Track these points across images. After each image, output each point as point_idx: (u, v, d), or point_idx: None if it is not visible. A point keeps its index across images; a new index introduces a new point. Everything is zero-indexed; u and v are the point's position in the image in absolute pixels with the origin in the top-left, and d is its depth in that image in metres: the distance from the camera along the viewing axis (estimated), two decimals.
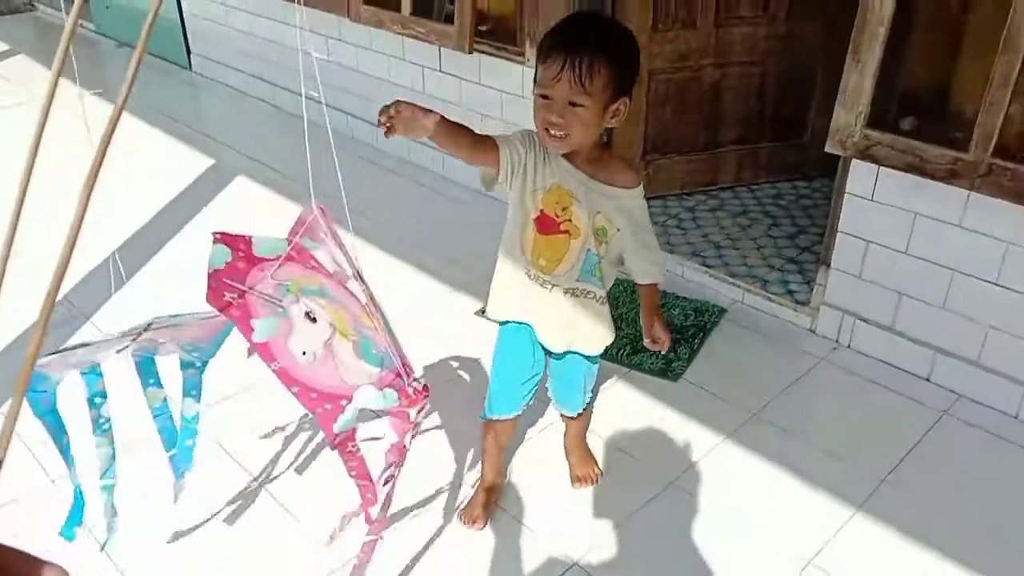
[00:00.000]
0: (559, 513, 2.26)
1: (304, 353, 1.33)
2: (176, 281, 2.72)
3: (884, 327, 2.83)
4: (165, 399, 1.75)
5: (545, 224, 1.84)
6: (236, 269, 1.34)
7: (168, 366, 1.81)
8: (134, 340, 1.46)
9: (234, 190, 4.20)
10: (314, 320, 1.35)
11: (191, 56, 6.11)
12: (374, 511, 1.47)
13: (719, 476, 2.38)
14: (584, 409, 2.25)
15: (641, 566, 2.10)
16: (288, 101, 5.19)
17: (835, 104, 2.58)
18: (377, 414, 1.50)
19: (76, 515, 1.63)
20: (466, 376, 2.80)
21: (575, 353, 2.04)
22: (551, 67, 1.66)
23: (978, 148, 2.27)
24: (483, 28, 3.84)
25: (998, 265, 2.50)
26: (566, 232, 1.85)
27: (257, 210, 3.95)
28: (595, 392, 2.37)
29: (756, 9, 3.77)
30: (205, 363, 1.73)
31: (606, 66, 1.66)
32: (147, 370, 1.71)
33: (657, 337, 2.03)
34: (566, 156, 1.80)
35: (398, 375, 1.33)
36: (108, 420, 1.64)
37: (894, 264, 2.73)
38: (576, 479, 2.33)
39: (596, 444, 2.46)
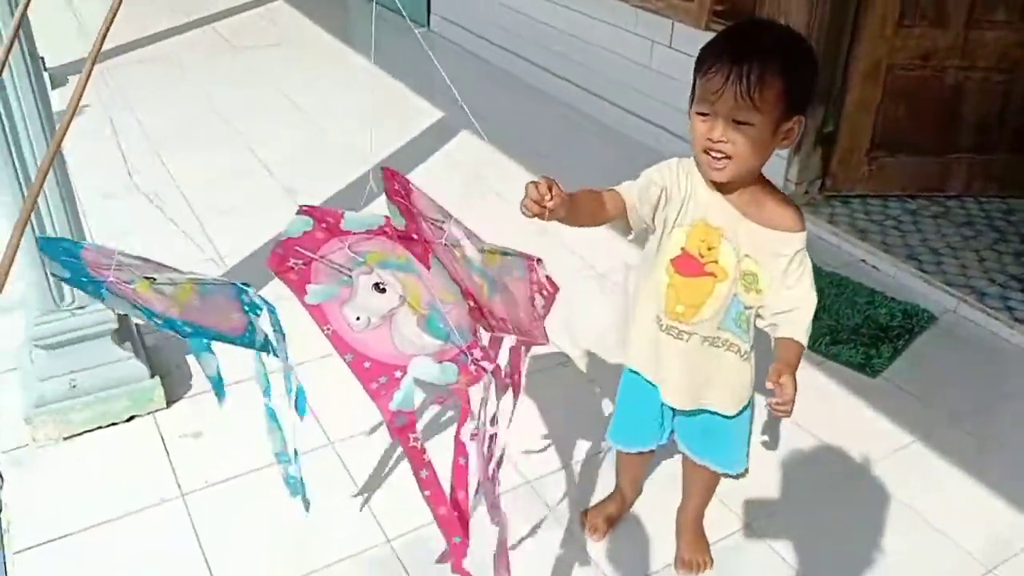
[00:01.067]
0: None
1: (358, 318, 1.25)
2: None
3: None
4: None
5: (686, 265, 1.63)
6: (313, 239, 1.27)
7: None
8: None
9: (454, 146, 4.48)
10: (383, 291, 1.28)
11: (430, 16, 6.49)
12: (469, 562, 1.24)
13: (907, 474, 2.36)
14: (738, 473, 1.96)
15: (809, 547, 2.14)
16: (519, 66, 5.43)
17: None
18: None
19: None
20: None
21: (706, 412, 1.80)
22: (713, 78, 1.46)
23: None
24: (719, 8, 3.88)
25: None
26: (711, 274, 1.62)
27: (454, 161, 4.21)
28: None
29: (1013, 14, 3.58)
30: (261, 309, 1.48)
31: (779, 77, 1.44)
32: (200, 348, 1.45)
33: (781, 384, 1.51)
34: (719, 187, 1.59)
35: (461, 351, 1.24)
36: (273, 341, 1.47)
37: None
38: (682, 563, 2.04)
39: (785, 426, 2.50)
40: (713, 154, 1.51)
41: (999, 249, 3.49)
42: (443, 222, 1.25)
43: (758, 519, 2.19)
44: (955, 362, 2.87)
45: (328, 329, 1.24)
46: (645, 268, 1.70)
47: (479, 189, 3.89)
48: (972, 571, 2.07)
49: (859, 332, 2.91)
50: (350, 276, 1.29)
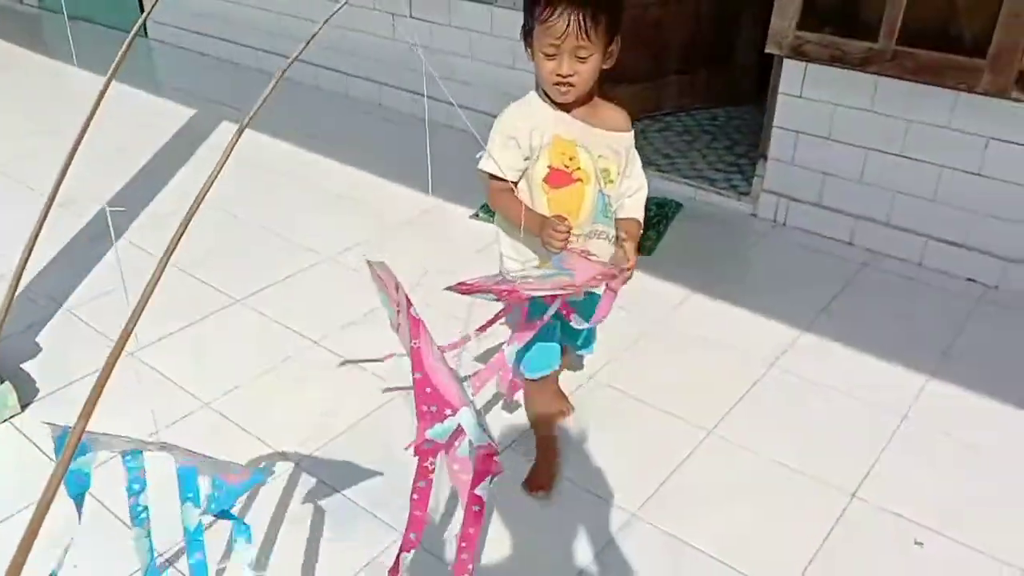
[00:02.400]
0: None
1: (436, 348, 1.33)
2: None
3: (813, 204, 3.45)
4: (200, 523, 1.51)
5: (557, 178, 1.93)
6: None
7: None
8: (174, 452, 1.42)
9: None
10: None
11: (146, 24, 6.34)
12: (405, 560, 1.38)
13: (694, 316, 2.94)
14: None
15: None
16: (247, 55, 5.52)
17: (771, 15, 3.17)
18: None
19: None
20: None
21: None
22: (556, 23, 1.76)
23: (885, 37, 2.89)
24: None
25: (901, 139, 3.13)
26: (578, 180, 1.94)
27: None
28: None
29: None
30: (224, 510, 1.48)
31: (604, 13, 1.77)
32: (189, 481, 1.50)
33: (629, 257, 1.91)
34: (561, 107, 1.91)
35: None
36: (146, 509, 1.51)
37: (819, 149, 3.35)
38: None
39: None
40: (562, 86, 1.83)
41: (714, 147, 4.27)
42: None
43: (600, 372, 2.64)
44: (705, 235, 3.53)
45: (416, 343, 1.30)
46: (527, 202, 1.96)
47: (257, 172, 4.02)
48: (762, 365, 2.66)
49: None
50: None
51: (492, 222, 3.44)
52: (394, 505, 2.11)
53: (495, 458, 1.30)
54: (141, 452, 1.47)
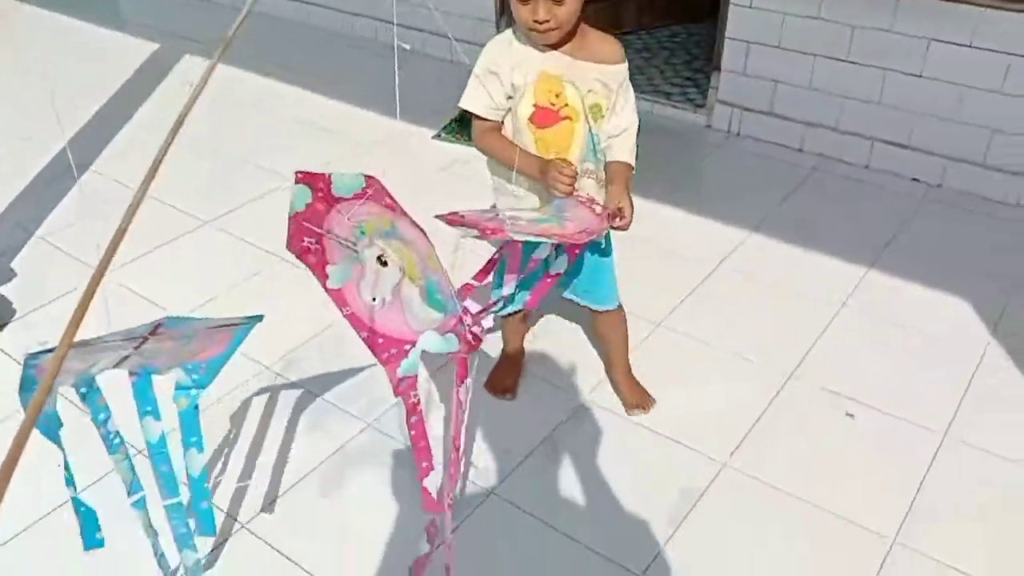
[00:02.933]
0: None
1: (374, 300, 1.31)
2: None
3: (765, 112, 3.55)
4: (163, 436, 1.49)
5: (543, 116, 1.80)
6: (315, 211, 1.30)
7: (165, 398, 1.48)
8: (137, 347, 1.33)
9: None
10: (385, 264, 1.33)
11: None
12: (432, 483, 1.42)
13: (652, 224, 3.06)
14: (618, 309, 2.17)
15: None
16: None
17: None
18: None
19: (90, 525, 1.46)
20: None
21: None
22: None
23: None
24: None
25: (847, 45, 3.22)
26: (566, 118, 1.81)
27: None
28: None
29: None
30: (198, 392, 1.45)
31: None
32: (144, 394, 1.47)
33: (621, 208, 1.80)
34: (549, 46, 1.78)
35: (459, 320, 1.34)
36: (118, 434, 1.49)
37: (770, 58, 3.43)
38: (631, 407, 2.24)
39: None
40: (540, 29, 1.70)
41: (672, 63, 4.34)
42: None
43: None
44: (662, 148, 3.63)
45: (347, 311, 1.30)
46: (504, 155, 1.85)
47: (227, 104, 4.07)
48: (713, 262, 2.80)
49: None
50: (357, 251, 1.32)
51: (454, 142, 3.54)
52: (363, 401, 2.25)
53: (474, 338, 1.36)
54: (93, 380, 1.42)
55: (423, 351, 1.35)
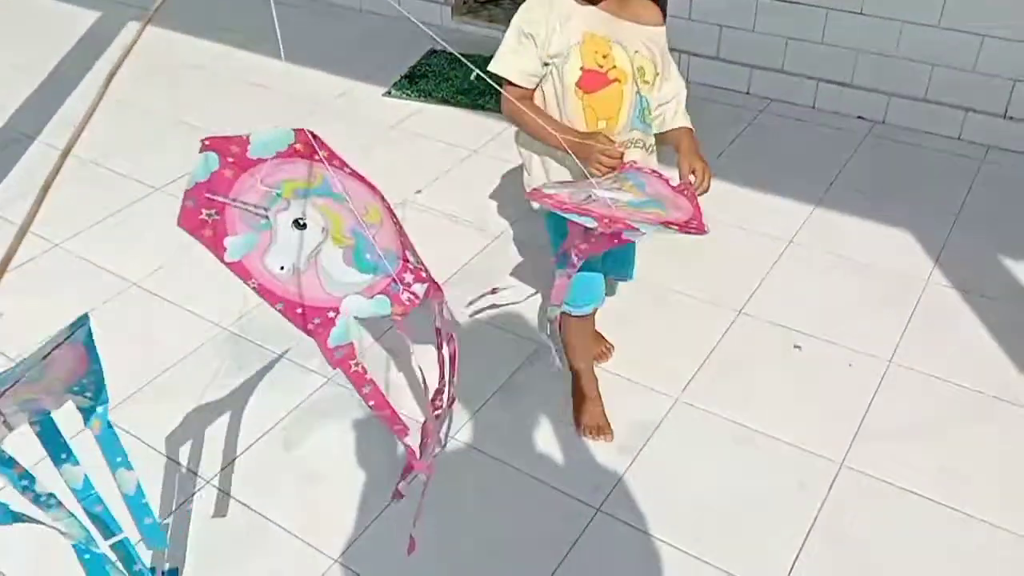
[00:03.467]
0: None
1: (282, 268, 1.21)
2: None
3: (711, 57, 3.58)
4: (86, 477, 1.36)
5: (592, 80, 1.69)
6: (221, 179, 1.19)
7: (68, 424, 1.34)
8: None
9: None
10: (303, 227, 1.24)
11: None
12: (412, 443, 1.30)
13: None
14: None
15: None
16: None
17: None
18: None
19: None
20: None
21: None
22: None
23: None
24: None
25: None
26: (615, 80, 1.70)
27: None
28: None
29: None
30: (103, 401, 1.31)
31: None
32: (52, 439, 1.33)
33: (697, 174, 1.73)
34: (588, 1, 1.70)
35: (393, 280, 1.25)
36: (51, 495, 1.28)
37: (715, 2, 3.45)
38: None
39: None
40: None
41: None
42: None
43: None
44: None
45: (253, 283, 1.19)
46: (553, 110, 1.74)
47: (168, 68, 4.01)
48: None
49: None
50: (267, 218, 1.22)
51: (405, 99, 3.52)
52: (320, 358, 2.27)
53: (411, 298, 1.25)
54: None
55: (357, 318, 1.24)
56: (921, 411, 2.10)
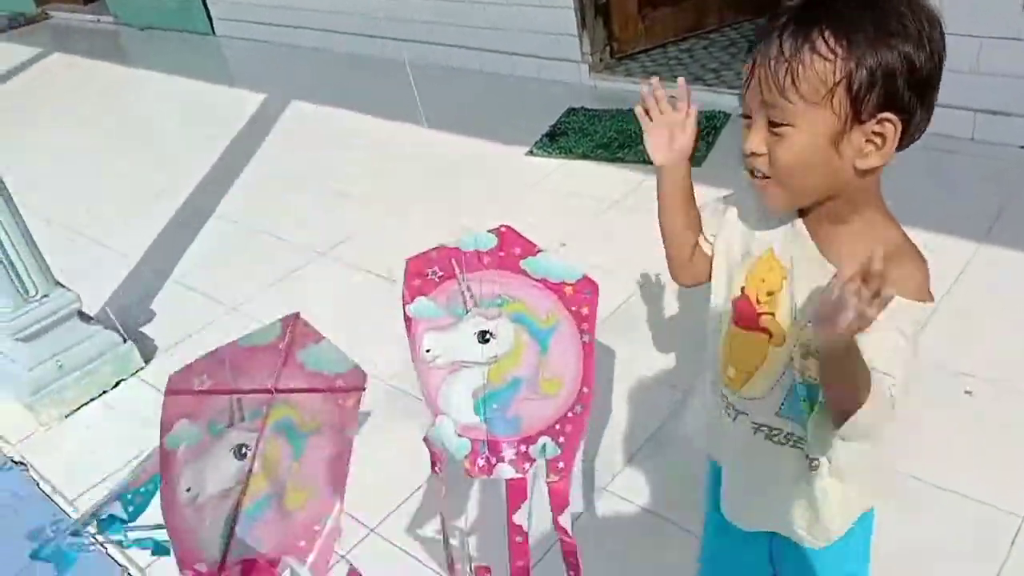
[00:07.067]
0: None
1: (428, 351, 1.20)
2: None
3: None
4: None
5: (743, 312, 1.14)
6: (478, 260, 1.21)
7: None
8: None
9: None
10: (486, 341, 1.19)
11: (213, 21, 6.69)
12: None
13: None
14: None
15: None
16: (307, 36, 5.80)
17: None
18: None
19: None
20: None
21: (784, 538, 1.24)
22: (747, 64, 1.03)
23: None
24: None
25: None
26: (764, 330, 1.11)
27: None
28: None
29: None
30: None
31: (827, 47, 0.92)
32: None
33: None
34: (801, 212, 1.08)
35: (487, 440, 1.23)
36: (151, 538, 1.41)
37: None
38: None
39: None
40: (752, 174, 1.05)
41: None
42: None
43: None
44: None
45: (410, 337, 1.21)
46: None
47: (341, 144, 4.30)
48: None
49: None
50: (466, 310, 1.19)
51: (546, 156, 3.62)
52: None
53: (485, 468, 1.22)
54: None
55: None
56: None
